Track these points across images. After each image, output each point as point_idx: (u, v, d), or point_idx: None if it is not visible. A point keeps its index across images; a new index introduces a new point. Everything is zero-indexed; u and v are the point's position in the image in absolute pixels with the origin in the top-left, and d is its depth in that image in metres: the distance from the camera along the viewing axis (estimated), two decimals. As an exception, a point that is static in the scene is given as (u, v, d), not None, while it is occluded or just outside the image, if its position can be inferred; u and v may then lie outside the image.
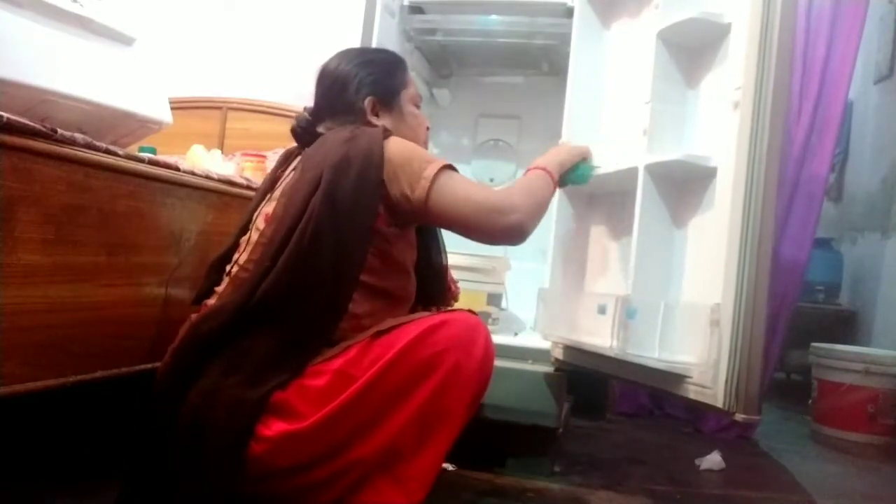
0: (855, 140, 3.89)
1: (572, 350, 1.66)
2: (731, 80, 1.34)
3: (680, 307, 1.40)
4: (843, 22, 2.59)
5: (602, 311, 1.47)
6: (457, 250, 2.05)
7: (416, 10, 2.40)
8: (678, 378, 1.34)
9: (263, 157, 2.12)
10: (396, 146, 1.23)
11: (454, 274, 2.00)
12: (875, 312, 3.36)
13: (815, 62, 2.57)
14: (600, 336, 1.47)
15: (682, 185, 1.45)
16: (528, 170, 1.38)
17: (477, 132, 2.72)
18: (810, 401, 2.78)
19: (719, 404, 1.24)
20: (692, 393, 1.31)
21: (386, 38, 2.23)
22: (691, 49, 1.48)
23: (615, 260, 1.70)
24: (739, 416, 1.23)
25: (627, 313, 1.39)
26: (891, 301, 3.23)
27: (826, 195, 3.06)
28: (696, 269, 1.40)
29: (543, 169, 1.36)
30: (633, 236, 1.44)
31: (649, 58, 1.49)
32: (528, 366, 1.74)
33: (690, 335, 1.34)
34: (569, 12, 1.90)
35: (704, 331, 1.29)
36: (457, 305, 1.98)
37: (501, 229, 1.22)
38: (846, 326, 3.50)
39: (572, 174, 1.46)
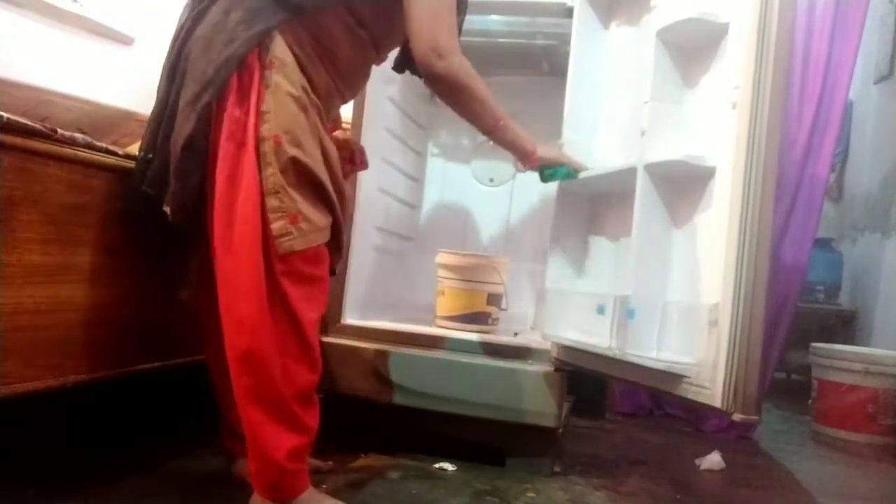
0: (855, 140, 3.90)
1: (571, 350, 1.66)
2: (729, 80, 1.34)
3: (679, 307, 1.40)
4: (844, 22, 2.58)
5: (601, 311, 1.47)
6: (457, 251, 2.05)
7: (417, 10, 2.39)
8: (677, 378, 1.34)
9: (263, 157, 2.12)
10: None
11: (452, 274, 2.00)
12: (875, 312, 3.36)
13: (817, 63, 2.57)
14: (599, 336, 1.47)
15: (681, 185, 1.45)
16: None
17: (477, 132, 2.70)
18: (810, 401, 2.78)
19: (718, 404, 1.24)
20: (691, 393, 1.31)
21: (386, 38, 2.22)
22: (689, 49, 1.48)
23: (614, 260, 1.69)
24: (737, 416, 1.23)
25: (627, 313, 1.39)
26: (891, 301, 3.24)
27: (826, 195, 3.06)
28: (695, 269, 1.40)
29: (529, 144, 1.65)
30: (632, 236, 1.44)
31: (648, 58, 1.49)
32: (528, 366, 1.74)
33: (689, 335, 1.33)
34: (569, 12, 1.90)
35: (703, 331, 1.28)
36: (457, 306, 1.99)
37: (424, 59, 1.36)
38: (846, 326, 3.50)
39: (558, 170, 1.68)
